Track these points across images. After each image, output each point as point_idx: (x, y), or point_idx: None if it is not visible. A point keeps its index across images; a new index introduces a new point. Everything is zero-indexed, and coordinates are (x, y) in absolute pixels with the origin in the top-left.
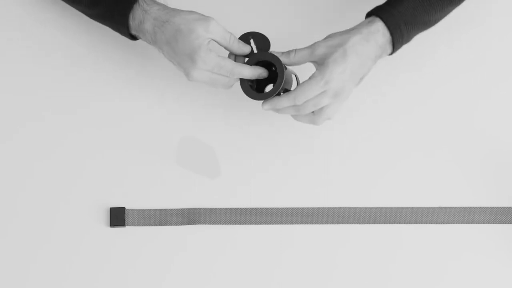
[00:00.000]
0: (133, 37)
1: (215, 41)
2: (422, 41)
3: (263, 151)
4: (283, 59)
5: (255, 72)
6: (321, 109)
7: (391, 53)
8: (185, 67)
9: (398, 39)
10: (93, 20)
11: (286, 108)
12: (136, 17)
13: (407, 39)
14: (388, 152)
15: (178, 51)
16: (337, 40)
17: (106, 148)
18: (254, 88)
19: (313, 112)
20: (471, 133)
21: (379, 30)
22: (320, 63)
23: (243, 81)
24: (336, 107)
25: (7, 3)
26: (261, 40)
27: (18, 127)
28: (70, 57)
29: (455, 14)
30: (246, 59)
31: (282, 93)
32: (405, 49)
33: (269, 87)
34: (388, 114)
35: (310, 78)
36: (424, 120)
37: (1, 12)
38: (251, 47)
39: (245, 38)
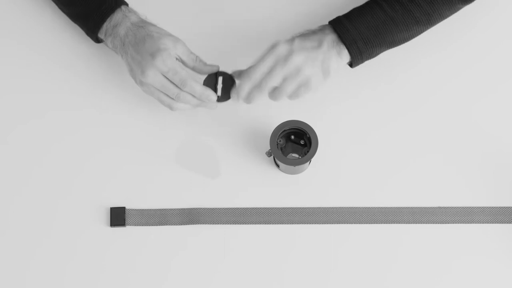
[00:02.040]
0: (97, 40)
1: (180, 59)
2: (422, 41)
3: (263, 151)
4: (252, 71)
5: (205, 92)
6: (278, 88)
7: (351, 63)
8: (143, 64)
9: (347, 39)
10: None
11: (252, 93)
12: (114, 20)
13: (363, 47)
14: (388, 152)
15: (142, 51)
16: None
17: (106, 148)
18: (282, 152)
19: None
20: (470, 134)
21: (326, 29)
22: None
23: (275, 151)
24: (292, 83)
25: (7, 3)
26: (229, 81)
27: (18, 127)
28: (72, 57)
29: (455, 15)
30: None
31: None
32: (404, 49)
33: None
34: (388, 115)
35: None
36: (424, 121)
37: (1, 12)
38: (218, 86)
39: (213, 76)
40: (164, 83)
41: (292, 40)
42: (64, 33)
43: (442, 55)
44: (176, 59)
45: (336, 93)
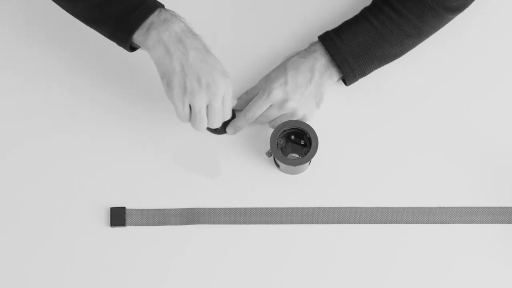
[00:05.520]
0: (132, 47)
1: None
2: (423, 42)
3: (263, 151)
4: (241, 102)
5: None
6: (274, 120)
7: (345, 81)
8: (214, 77)
9: (340, 59)
10: (84, 20)
11: (245, 124)
12: (163, 15)
13: (354, 64)
14: (388, 152)
15: (212, 62)
16: (281, 64)
17: (106, 148)
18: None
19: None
20: (470, 134)
21: (317, 50)
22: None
23: (275, 151)
24: (288, 119)
25: (8, 3)
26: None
27: (17, 127)
28: (72, 57)
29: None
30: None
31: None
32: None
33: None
34: (387, 115)
35: (256, 96)
36: (424, 121)
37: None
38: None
39: None
40: (219, 106)
41: (285, 81)
42: (65, 34)
43: (441, 54)
44: None
45: (336, 93)
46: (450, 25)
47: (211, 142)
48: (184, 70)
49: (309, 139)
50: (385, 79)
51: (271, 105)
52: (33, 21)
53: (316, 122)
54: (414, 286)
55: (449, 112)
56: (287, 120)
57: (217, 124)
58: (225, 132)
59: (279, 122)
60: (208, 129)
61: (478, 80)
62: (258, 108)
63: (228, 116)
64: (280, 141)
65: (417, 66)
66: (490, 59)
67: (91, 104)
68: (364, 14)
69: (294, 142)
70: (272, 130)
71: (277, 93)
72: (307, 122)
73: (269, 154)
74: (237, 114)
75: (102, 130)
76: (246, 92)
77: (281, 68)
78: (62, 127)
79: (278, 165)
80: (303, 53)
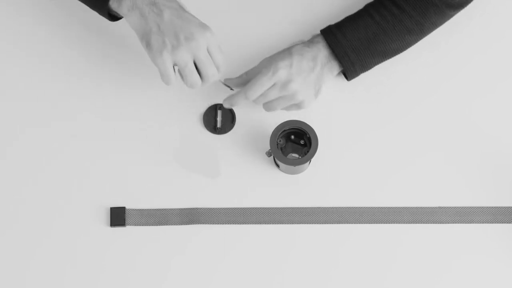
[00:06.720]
0: (113, 17)
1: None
2: (424, 41)
3: (263, 151)
4: (241, 81)
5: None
6: (271, 101)
7: (347, 76)
8: (191, 30)
9: (341, 54)
10: None
11: (243, 101)
12: None
13: (355, 58)
14: (388, 152)
15: (187, 18)
16: (286, 49)
17: (106, 148)
18: (282, 152)
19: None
20: (470, 134)
21: (320, 42)
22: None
23: (275, 151)
24: (285, 103)
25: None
26: (228, 114)
27: (18, 128)
28: (71, 60)
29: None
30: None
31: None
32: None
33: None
34: (387, 115)
35: (259, 74)
36: (424, 121)
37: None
38: (217, 120)
39: (213, 108)
40: (202, 57)
41: (290, 64)
42: (65, 35)
43: (441, 55)
44: None
45: (336, 93)
46: (451, 24)
47: (211, 142)
48: (161, 29)
49: (309, 139)
50: (386, 78)
51: (273, 85)
52: (32, 20)
53: (316, 122)
54: (414, 286)
55: (449, 111)
56: (285, 103)
57: (212, 75)
58: (225, 132)
59: (275, 104)
60: (209, 129)
61: (478, 80)
62: (261, 86)
63: (221, 64)
64: (280, 141)
65: (417, 66)
66: (490, 59)
67: (91, 104)
68: (367, 9)
69: (294, 142)
70: (272, 130)
71: (282, 72)
72: (303, 110)
73: (269, 154)
74: (238, 91)
75: (102, 130)
76: (246, 73)
77: (287, 52)
78: (62, 127)
79: (278, 165)
80: (307, 43)
